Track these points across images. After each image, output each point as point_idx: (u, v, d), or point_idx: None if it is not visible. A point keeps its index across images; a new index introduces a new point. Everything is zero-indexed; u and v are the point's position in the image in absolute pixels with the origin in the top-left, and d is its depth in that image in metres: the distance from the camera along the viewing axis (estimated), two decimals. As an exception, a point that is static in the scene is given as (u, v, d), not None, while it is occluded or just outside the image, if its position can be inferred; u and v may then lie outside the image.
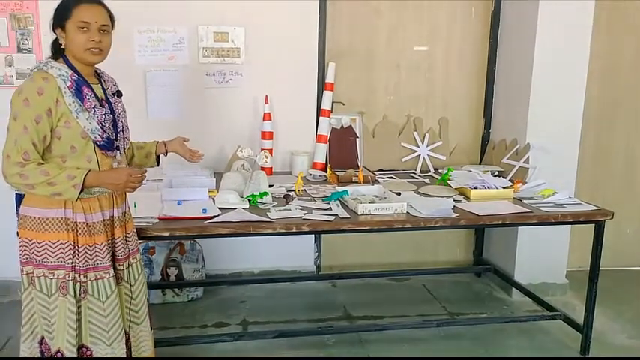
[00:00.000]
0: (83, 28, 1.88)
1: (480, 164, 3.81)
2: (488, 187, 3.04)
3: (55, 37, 1.96)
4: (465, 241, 4.07)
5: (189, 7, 3.34)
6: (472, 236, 4.05)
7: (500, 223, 2.73)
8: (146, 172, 2.07)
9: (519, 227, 3.49)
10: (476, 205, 2.80)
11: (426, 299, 3.61)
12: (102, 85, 2.02)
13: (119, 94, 2.08)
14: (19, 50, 3.24)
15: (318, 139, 3.58)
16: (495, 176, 3.34)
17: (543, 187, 3.07)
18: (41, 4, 3.19)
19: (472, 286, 3.83)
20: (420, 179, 3.46)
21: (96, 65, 2.02)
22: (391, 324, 3.22)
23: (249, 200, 2.68)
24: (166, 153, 2.38)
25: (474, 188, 3.01)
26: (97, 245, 1.97)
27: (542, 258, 3.60)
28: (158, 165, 2.39)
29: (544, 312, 3.23)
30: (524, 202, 2.91)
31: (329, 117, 3.58)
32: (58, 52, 1.96)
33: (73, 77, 1.90)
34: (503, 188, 3.05)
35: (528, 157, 3.37)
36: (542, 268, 3.63)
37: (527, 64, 3.45)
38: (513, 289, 3.61)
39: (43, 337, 1.99)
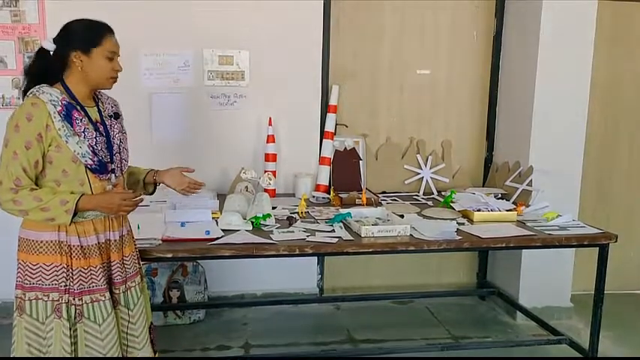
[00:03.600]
0: (111, 57, 1.95)
1: (483, 187, 3.82)
2: (492, 210, 3.03)
3: (41, 57, 1.94)
4: (468, 263, 4.04)
5: (194, 30, 3.39)
6: (476, 259, 4.03)
7: (503, 245, 2.71)
8: (140, 195, 2.07)
9: (523, 250, 3.47)
10: (479, 228, 2.79)
11: (430, 322, 3.58)
12: (98, 107, 2.03)
13: (116, 116, 2.08)
14: (27, 73, 3.27)
15: (322, 161, 3.59)
16: (498, 199, 3.33)
17: (547, 209, 3.06)
18: (48, 28, 3.24)
19: (476, 310, 3.80)
20: (423, 201, 3.45)
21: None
22: (395, 348, 3.19)
23: (252, 222, 2.68)
24: (157, 183, 2.30)
25: (477, 210, 3.00)
26: (92, 268, 1.95)
27: (547, 281, 3.57)
28: (152, 193, 2.33)
29: (549, 336, 3.20)
30: (528, 224, 2.90)
31: (332, 139, 3.60)
32: (53, 75, 1.94)
33: (64, 102, 1.90)
34: (507, 211, 3.04)
35: (531, 180, 3.37)
36: (547, 292, 3.60)
37: (529, 86, 3.47)
38: (518, 312, 3.57)
39: None
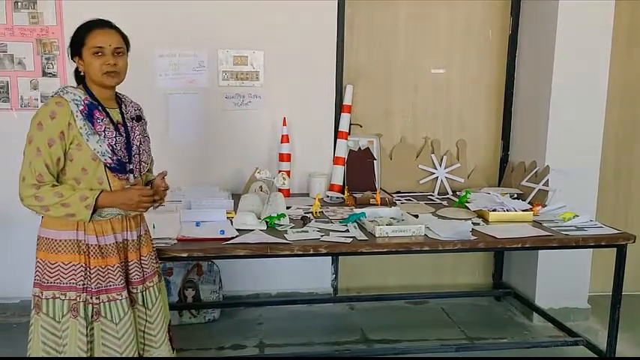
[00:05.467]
0: (98, 53, 1.94)
1: (498, 186, 3.79)
2: (508, 210, 3.01)
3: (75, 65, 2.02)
4: (484, 264, 4.02)
5: (209, 31, 3.41)
6: (491, 259, 4.00)
7: (519, 246, 2.69)
8: (157, 192, 2.06)
9: (540, 251, 3.44)
10: (495, 228, 2.77)
11: (445, 323, 3.56)
12: (121, 109, 2.06)
13: (138, 118, 2.10)
14: (44, 74, 3.32)
15: (336, 161, 3.59)
16: (514, 199, 3.31)
17: (564, 209, 3.03)
18: (66, 30, 3.28)
19: (492, 311, 3.77)
20: (438, 201, 3.44)
21: (119, 91, 2.08)
22: (409, 348, 3.17)
23: (266, 222, 2.69)
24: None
25: (493, 211, 2.98)
26: (109, 267, 1.98)
27: (564, 282, 3.53)
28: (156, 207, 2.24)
29: (566, 337, 3.17)
30: (545, 225, 2.87)
31: (346, 139, 3.60)
32: (78, 79, 2.04)
33: (86, 102, 1.94)
34: (523, 211, 3.02)
35: (548, 180, 3.34)
36: (564, 293, 3.56)
37: (545, 85, 3.44)
38: (534, 313, 3.54)
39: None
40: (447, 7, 3.72)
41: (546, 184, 3.33)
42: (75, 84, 2.05)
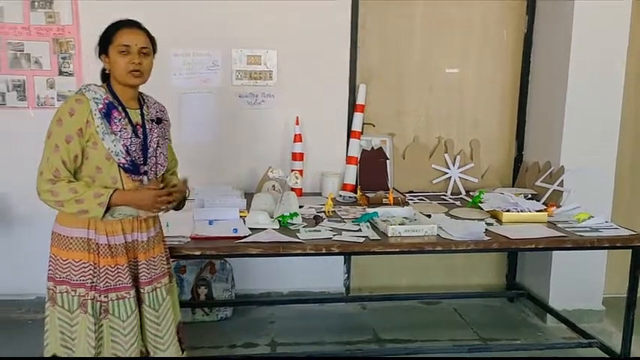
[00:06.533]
0: (124, 51, 1.96)
1: (512, 187, 3.76)
2: (521, 210, 2.99)
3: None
4: (497, 264, 3.99)
5: (223, 30, 3.43)
6: (505, 260, 3.98)
7: (533, 247, 2.67)
8: (171, 194, 2.05)
9: (554, 252, 3.41)
10: (508, 228, 2.75)
11: (458, 324, 3.54)
12: (142, 110, 2.07)
13: (159, 120, 2.11)
14: (60, 73, 3.36)
15: (349, 160, 3.59)
16: (528, 199, 3.28)
17: (578, 210, 3.00)
18: (82, 29, 3.32)
19: (505, 311, 3.75)
20: (451, 201, 3.42)
21: (142, 91, 2.11)
22: (421, 348, 3.16)
23: (279, 221, 2.70)
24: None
25: (507, 211, 2.96)
26: (119, 266, 1.99)
27: (578, 284, 3.50)
28: (179, 208, 2.23)
29: (580, 339, 3.14)
30: (559, 225, 2.85)
31: (359, 138, 3.59)
32: (103, 78, 2.06)
33: (106, 101, 1.96)
34: (537, 211, 2.99)
35: (562, 180, 3.31)
36: (578, 294, 3.53)
37: (561, 85, 3.41)
38: (548, 315, 3.52)
39: (54, 355, 2.00)
40: (462, 7, 3.70)
41: (561, 184, 3.30)
42: (100, 82, 2.06)
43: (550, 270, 3.53)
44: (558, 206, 3.11)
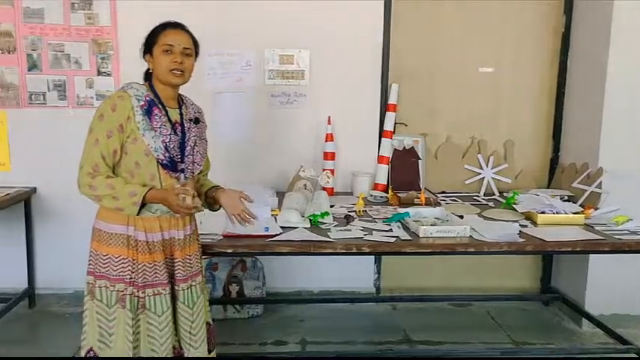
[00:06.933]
0: (167, 51, 2.01)
1: (548, 188, 3.69)
2: (557, 212, 2.92)
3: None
4: (531, 267, 3.92)
5: (256, 30, 3.46)
6: (539, 263, 3.90)
7: (569, 250, 2.60)
8: (196, 205, 2.02)
9: (590, 255, 3.33)
10: (543, 231, 2.70)
11: (490, 327, 3.49)
12: (181, 110, 2.11)
13: (196, 121, 2.16)
14: (99, 73, 3.45)
15: (380, 160, 3.58)
16: (565, 201, 3.21)
17: (617, 213, 2.92)
18: (120, 30, 3.40)
19: (539, 315, 3.68)
20: (484, 202, 3.38)
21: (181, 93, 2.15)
22: (453, 350, 3.14)
23: (310, 220, 2.71)
24: (215, 202, 2.23)
25: (542, 212, 2.90)
26: (156, 263, 2.04)
27: (616, 288, 3.42)
28: (216, 210, 2.28)
29: (616, 345, 3.06)
30: (596, 228, 2.78)
31: (391, 138, 3.58)
32: (146, 77, 2.11)
33: (147, 98, 2.01)
34: (574, 213, 2.93)
35: (601, 182, 3.23)
36: (615, 299, 3.44)
37: (599, 85, 3.33)
38: (583, 319, 3.44)
39: (91, 349, 2.05)
40: (497, 6, 3.65)
41: (599, 186, 3.22)
42: (142, 81, 2.11)
43: (586, 274, 3.45)
44: (596, 208, 3.03)
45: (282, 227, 2.60)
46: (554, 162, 3.78)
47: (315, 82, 3.54)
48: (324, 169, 3.31)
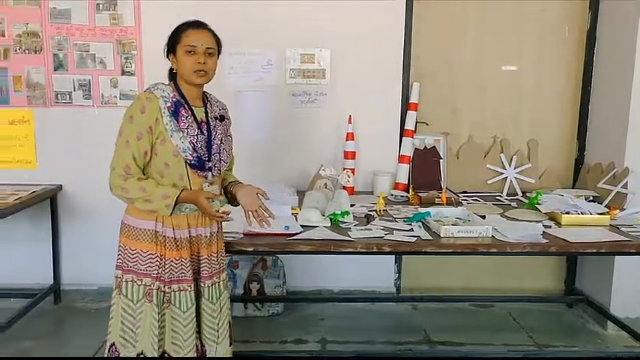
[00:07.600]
0: (190, 51, 2.03)
1: (572, 188, 3.63)
2: (582, 213, 2.87)
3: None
4: (555, 269, 3.86)
5: (277, 29, 3.47)
6: (563, 264, 3.85)
7: (594, 251, 2.55)
8: (221, 215, 2.09)
9: (616, 257, 3.27)
10: (567, 231, 2.65)
11: (512, 328, 3.45)
12: (206, 108, 2.14)
13: (221, 118, 2.18)
14: (123, 73, 3.49)
15: (401, 159, 3.56)
16: (590, 201, 3.16)
17: (644, 214, 2.87)
18: (143, 31, 3.44)
19: (563, 317, 3.63)
20: (507, 202, 3.34)
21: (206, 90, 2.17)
22: (474, 351, 3.11)
23: (330, 219, 2.70)
24: (234, 198, 2.26)
25: (566, 213, 2.86)
26: (182, 259, 2.07)
27: (642, 291, 3.35)
28: (233, 205, 2.30)
29: (643, 349, 3.00)
30: (622, 229, 2.72)
31: (412, 137, 3.56)
32: (170, 77, 2.13)
33: (174, 99, 2.04)
34: (599, 214, 2.87)
35: (627, 182, 3.17)
36: (642, 302, 3.38)
37: (626, 83, 3.26)
38: (609, 322, 3.38)
39: (113, 344, 2.08)
40: (520, 4, 3.60)
41: (625, 186, 3.16)
42: (167, 81, 2.14)
43: (612, 276, 3.39)
44: (622, 209, 2.98)
45: (302, 226, 2.61)
46: (579, 162, 3.72)
47: (336, 81, 3.54)
48: (344, 168, 3.31)
